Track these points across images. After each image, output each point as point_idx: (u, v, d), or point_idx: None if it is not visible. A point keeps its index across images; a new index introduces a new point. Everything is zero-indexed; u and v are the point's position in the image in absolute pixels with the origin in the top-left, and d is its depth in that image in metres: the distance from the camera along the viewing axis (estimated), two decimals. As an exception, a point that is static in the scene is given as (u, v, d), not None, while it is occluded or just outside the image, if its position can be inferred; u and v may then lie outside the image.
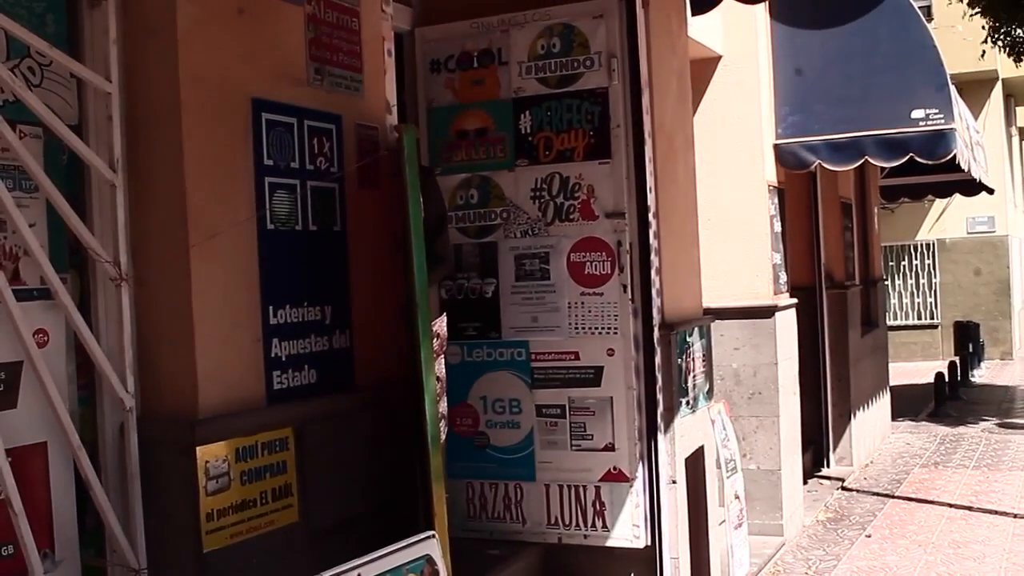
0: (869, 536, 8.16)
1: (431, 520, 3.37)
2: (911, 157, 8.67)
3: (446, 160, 5.60)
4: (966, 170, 9.95)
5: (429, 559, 2.94)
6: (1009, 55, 15.64)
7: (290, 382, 3.33)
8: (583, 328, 5.47)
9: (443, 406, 4.11)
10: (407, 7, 5.38)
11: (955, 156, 8.78)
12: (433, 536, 3.01)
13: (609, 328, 5.43)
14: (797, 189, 10.01)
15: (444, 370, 4.57)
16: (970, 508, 8.81)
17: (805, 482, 9.61)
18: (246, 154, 3.19)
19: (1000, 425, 13.50)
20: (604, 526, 5.45)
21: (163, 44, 3.07)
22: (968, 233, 21.99)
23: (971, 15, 15.19)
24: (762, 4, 8.25)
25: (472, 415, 5.63)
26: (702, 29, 7.70)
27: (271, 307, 3.27)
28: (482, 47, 5.67)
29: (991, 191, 13.70)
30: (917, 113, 8.57)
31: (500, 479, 5.64)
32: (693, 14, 6.34)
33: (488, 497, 5.65)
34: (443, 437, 4.01)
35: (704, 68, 8.30)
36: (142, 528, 3.19)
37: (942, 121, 8.56)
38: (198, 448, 3.00)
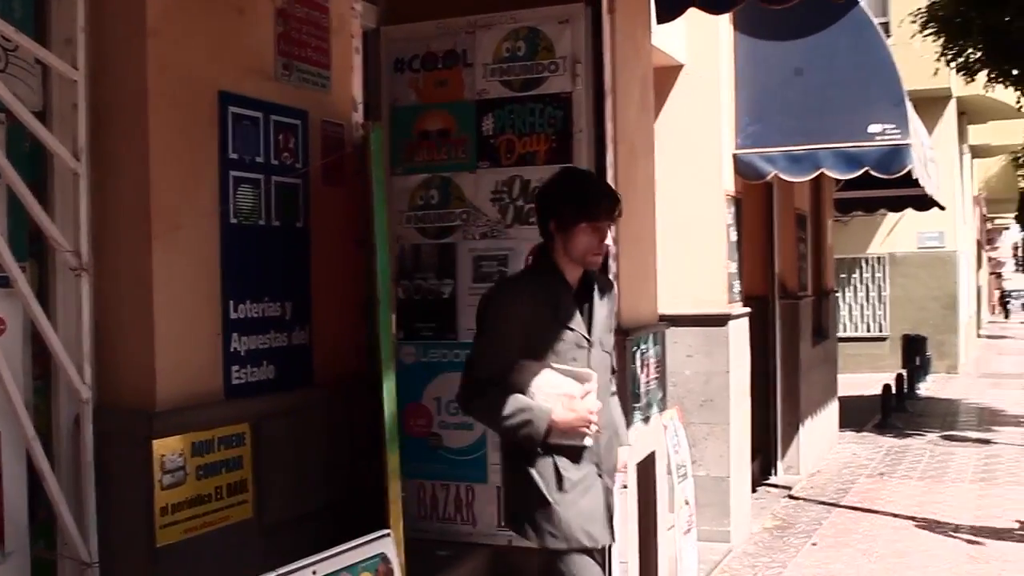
0: (815, 544, 8.24)
1: (386, 518, 3.36)
2: (867, 171, 8.76)
3: (408, 160, 5.59)
4: (921, 185, 10.08)
5: (384, 557, 2.94)
6: (959, 73, 15.88)
7: (249, 377, 3.31)
8: (539, 331, 5.49)
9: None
10: (373, 5, 5.38)
11: (910, 171, 8.87)
12: (389, 534, 3.01)
13: (565, 332, 5.45)
14: (754, 199, 10.09)
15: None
16: (914, 519, 8.92)
17: (754, 490, 9.69)
18: (212, 147, 3.17)
19: (944, 437, 13.68)
20: None
21: (131, 34, 3.04)
22: (918, 248, 22.27)
23: (924, 35, 15.41)
24: (725, 14, 8.34)
25: (426, 415, 5.62)
26: (665, 37, 7.74)
27: (232, 301, 3.25)
28: (447, 48, 5.67)
29: (942, 207, 13.88)
30: (874, 128, 8.65)
31: (452, 480, 5.64)
32: (659, 22, 6.37)
33: (439, 498, 5.64)
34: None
35: (666, 76, 8.34)
36: (95, 521, 3.16)
37: (898, 136, 8.65)
38: (155, 441, 2.97)
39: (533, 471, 3.71)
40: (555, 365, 3.67)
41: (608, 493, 3.89)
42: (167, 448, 3.01)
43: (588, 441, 3.69)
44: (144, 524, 3.00)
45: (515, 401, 3.64)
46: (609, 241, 3.74)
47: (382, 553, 2.91)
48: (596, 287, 3.88)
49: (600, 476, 3.82)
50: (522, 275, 3.98)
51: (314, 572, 2.70)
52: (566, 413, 3.63)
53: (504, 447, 3.93)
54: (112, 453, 3.12)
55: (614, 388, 4.23)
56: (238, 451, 3.23)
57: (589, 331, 3.79)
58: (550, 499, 3.70)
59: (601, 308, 3.87)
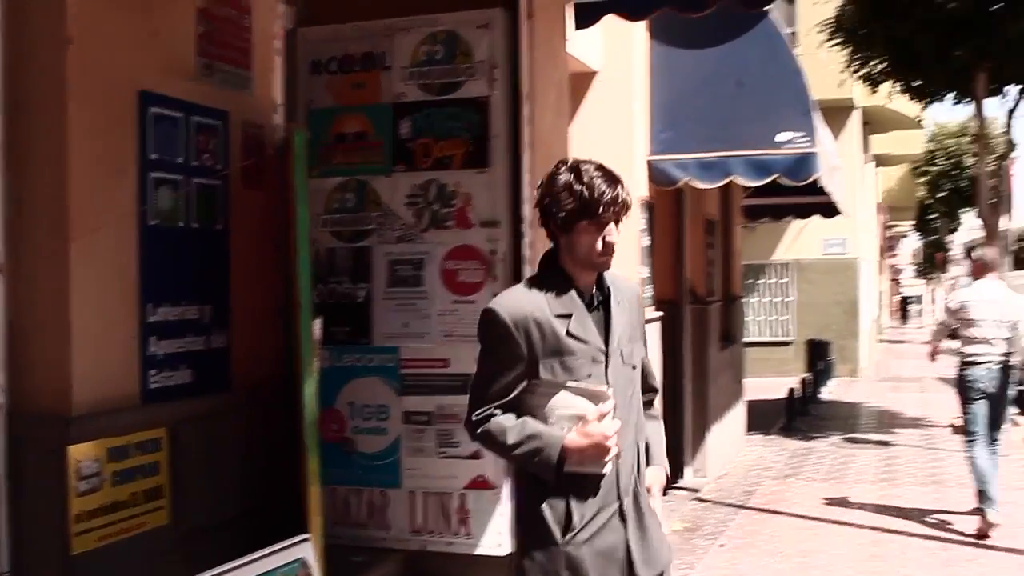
0: (722, 546, 8.35)
1: (305, 523, 3.34)
2: (776, 178, 8.91)
3: (324, 163, 5.56)
4: (827, 193, 10.27)
5: (303, 563, 2.92)
6: (864, 84, 16.24)
7: (166, 381, 3.26)
8: (454, 335, 5.48)
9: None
10: (289, 7, 5.33)
11: (817, 179, 9.05)
12: (308, 539, 2.99)
13: (480, 336, 5.45)
14: (665, 205, 10.20)
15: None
16: (818, 519, 9.08)
17: (664, 493, 9.78)
18: (131, 147, 3.12)
19: (846, 440, 13.95)
20: (468, 534, 5.47)
21: (51, 32, 2.98)
22: (823, 254, 22.70)
23: (831, 45, 15.73)
24: (640, 22, 8.43)
25: (339, 420, 5.59)
26: (580, 43, 7.79)
27: (150, 304, 3.21)
28: (365, 51, 5.65)
29: (847, 215, 14.17)
30: (783, 136, 8.79)
31: (365, 485, 5.62)
32: (576, 28, 6.42)
33: (352, 503, 5.62)
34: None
35: (581, 82, 8.40)
36: (7, 529, 3.09)
37: (806, 145, 8.80)
38: (70, 447, 2.92)
39: (544, 507, 3.29)
40: (569, 383, 3.24)
41: (638, 525, 3.37)
42: (83, 454, 2.96)
43: (606, 469, 3.23)
44: (59, 531, 2.95)
45: (524, 427, 3.28)
46: (616, 239, 3.28)
47: (301, 558, 2.89)
48: (614, 291, 3.46)
49: (621, 511, 3.32)
50: (526, 283, 3.47)
51: (235, 579, 2.68)
52: (579, 438, 3.21)
53: (516, 479, 3.51)
54: (26, 459, 3.05)
55: (651, 405, 3.74)
56: (154, 456, 3.18)
57: (606, 342, 3.36)
58: (558, 540, 3.28)
59: (621, 315, 3.44)
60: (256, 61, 3.58)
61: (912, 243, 68.17)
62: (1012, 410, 12.23)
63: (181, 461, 3.23)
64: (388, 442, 5.57)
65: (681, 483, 10.74)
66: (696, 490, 10.52)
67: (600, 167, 3.30)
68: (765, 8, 7.30)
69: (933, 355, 9.81)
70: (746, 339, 15.90)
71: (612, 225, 3.25)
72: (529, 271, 5.51)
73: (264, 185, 3.58)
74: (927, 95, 16.40)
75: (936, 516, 9.25)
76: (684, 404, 10.77)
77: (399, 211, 5.57)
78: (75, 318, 2.97)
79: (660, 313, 9.23)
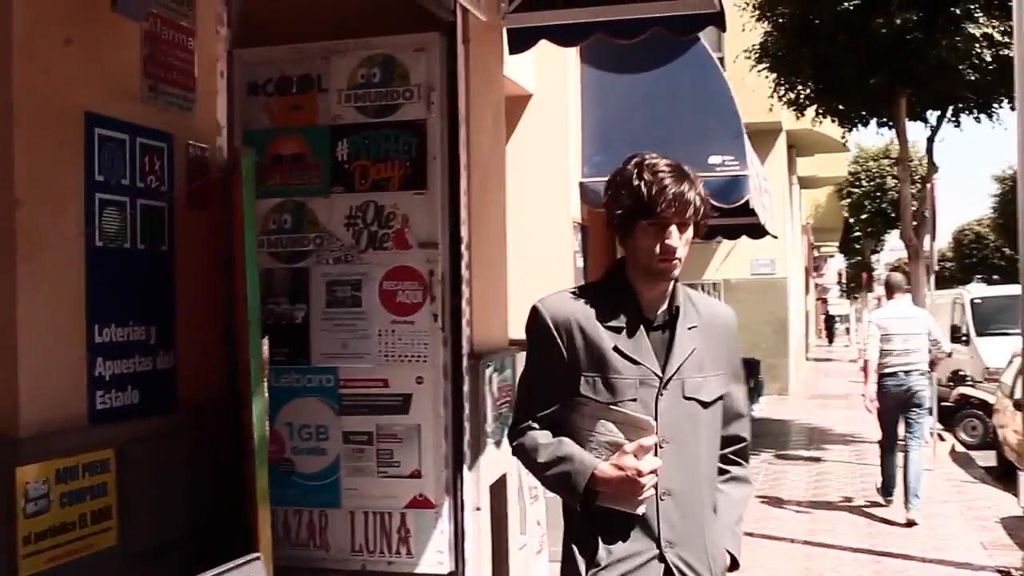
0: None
1: (254, 543, 3.36)
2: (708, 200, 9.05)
3: (261, 184, 5.53)
4: (756, 215, 10.47)
5: (256, 582, 2.95)
6: (790, 108, 16.56)
7: (113, 402, 3.26)
8: (393, 356, 5.53)
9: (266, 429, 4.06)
10: (227, 28, 5.35)
11: (748, 201, 9.23)
12: (259, 558, 3.01)
13: (419, 356, 5.50)
14: (598, 227, 10.33)
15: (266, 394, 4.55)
16: (752, 534, 9.21)
17: None
18: (78, 169, 3.13)
19: (778, 456, 14.15)
20: (409, 552, 5.50)
21: (-5, 54, 2.99)
22: (751, 274, 23.01)
23: (758, 71, 16.03)
24: (574, 47, 8.55)
25: (278, 441, 5.60)
26: (515, 67, 7.90)
27: (97, 325, 3.21)
28: (302, 73, 5.69)
29: (775, 236, 14.42)
30: (714, 159, 8.98)
31: (305, 506, 5.62)
32: (511, 53, 6.52)
33: (292, 524, 5.62)
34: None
35: (515, 105, 8.52)
36: (-50, 551, 3.07)
37: (737, 167, 9.00)
38: (18, 468, 2.91)
39: (574, 544, 3.02)
40: (615, 408, 2.91)
41: None
42: (31, 475, 2.95)
43: (641, 509, 2.89)
44: (6, 554, 2.93)
45: (559, 447, 2.96)
46: (678, 243, 2.92)
47: (254, 576, 2.92)
48: (691, 313, 3.08)
49: (662, 559, 2.95)
50: (584, 288, 3.14)
51: (188, 596, 2.69)
52: (611, 470, 2.87)
53: (563, 510, 3.13)
54: (-28, 480, 3.03)
55: (735, 462, 3.24)
56: (103, 477, 3.18)
57: (663, 366, 2.97)
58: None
59: (692, 341, 3.03)
60: (200, 83, 3.60)
61: (838, 263, 69.29)
62: (933, 422, 12.67)
63: (129, 481, 3.23)
64: (328, 462, 5.59)
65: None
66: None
67: (670, 163, 2.98)
68: (695, 35, 7.46)
69: (865, 370, 10.14)
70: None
71: (674, 228, 2.90)
72: (467, 292, 5.58)
73: (208, 207, 3.60)
74: (851, 119, 16.77)
75: (867, 529, 9.45)
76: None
77: (337, 232, 5.60)
78: (22, 339, 2.97)
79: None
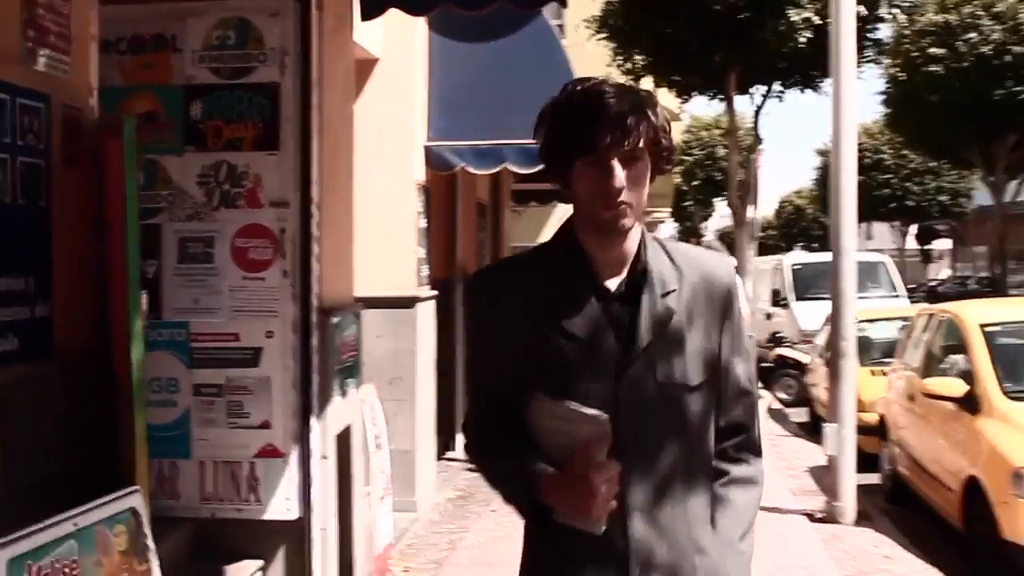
0: (494, 511, 8.82)
1: (135, 477, 3.55)
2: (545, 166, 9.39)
3: (113, 141, 5.64)
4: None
5: (134, 511, 3.15)
6: (627, 77, 17.10)
7: (-6, 348, 3.40)
8: (244, 311, 5.66)
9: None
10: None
11: (583, 168, 9.60)
12: (138, 490, 3.22)
13: (269, 311, 5.64)
14: (440, 189, 10.59)
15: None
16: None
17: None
18: (-42, 127, 3.25)
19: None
20: (258, 500, 5.64)
21: None
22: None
23: (598, 39, 16.50)
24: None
25: (129, 392, 5.70)
26: (362, 31, 8.05)
27: (-23, 274, 3.34)
28: (155, 32, 5.74)
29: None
30: (553, 127, 9.29)
31: (155, 457, 5.70)
32: (363, 19, 6.67)
33: (142, 474, 5.73)
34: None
35: (363, 69, 8.65)
36: None
37: (574, 136, 9.33)
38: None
39: (528, 569, 2.53)
40: (561, 401, 2.27)
41: None
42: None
43: (599, 527, 2.26)
44: None
45: (510, 451, 2.39)
46: (623, 182, 2.27)
47: (132, 507, 3.12)
48: (665, 275, 2.41)
49: None
50: (530, 253, 2.57)
51: (75, 524, 2.89)
52: (559, 479, 2.27)
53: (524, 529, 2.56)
54: None
55: (736, 459, 2.58)
56: (-16, 418, 3.30)
57: (627, 349, 2.34)
58: None
59: (664, 308, 2.38)
60: (75, 46, 3.74)
61: (669, 228, 71.14)
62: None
63: (9, 421, 3.36)
64: (178, 414, 5.68)
65: (452, 454, 11.19)
66: (468, 461, 10.96)
67: (615, 84, 2.36)
68: (538, 9, 7.74)
69: None
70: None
71: (616, 163, 2.26)
72: (317, 250, 5.77)
73: (83, 167, 3.74)
74: (687, 90, 17.44)
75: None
76: (456, 378, 11.19)
77: (190, 190, 5.69)
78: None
79: (435, 292, 9.61)
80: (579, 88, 2.36)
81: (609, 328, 2.35)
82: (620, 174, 2.27)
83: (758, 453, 2.62)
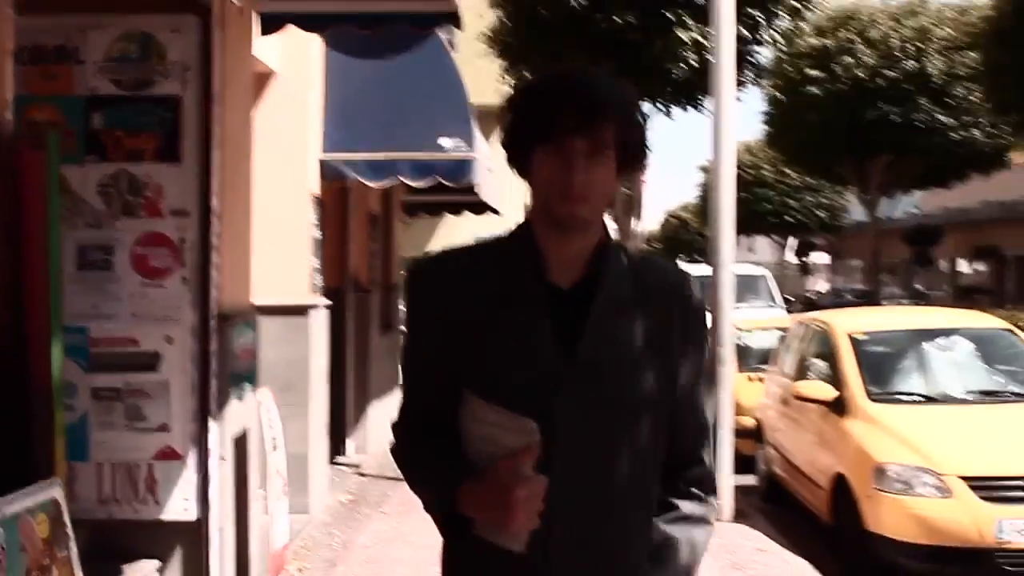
0: (385, 513, 9.04)
1: (55, 469, 3.70)
2: (438, 180, 9.67)
3: (13, 151, 5.73)
4: (481, 195, 11.18)
5: (55, 501, 3.32)
6: (518, 91, 17.44)
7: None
8: (144, 316, 5.78)
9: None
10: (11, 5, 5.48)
11: (477, 185, 9.89)
12: (58, 481, 3.38)
13: (169, 317, 5.77)
14: (333, 201, 10.76)
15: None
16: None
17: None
18: None
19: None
20: (156, 501, 5.72)
21: None
22: (475, 248, 23.81)
23: (489, 54, 16.83)
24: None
25: (27, 396, 5.78)
26: (260, 46, 8.21)
27: None
28: (58, 43, 5.83)
29: (497, 211, 15.27)
30: (445, 141, 9.52)
31: (52, 459, 5.83)
32: (262, 35, 6.85)
33: (38, 475, 5.82)
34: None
35: (260, 81, 8.79)
36: None
37: (465, 150, 9.61)
38: None
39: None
40: (490, 406, 2.14)
41: None
42: None
43: (519, 544, 2.10)
44: None
45: (434, 456, 2.25)
46: (581, 173, 2.11)
47: (53, 498, 3.30)
48: (618, 279, 2.21)
49: None
50: (480, 244, 2.34)
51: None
52: (479, 489, 2.10)
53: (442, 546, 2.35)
54: None
55: (686, 494, 2.32)
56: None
57: (573, 355, 2.14)
58: None
59: (617, 315, 2.19)
60: (-11, 60, 3.87)
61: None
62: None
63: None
64: (76, 416, 5.73)
65: (344, 459, 11.37)
66: (358, 465, 11.16)
67: (594, 72, 2.21)
68: (432, 30, 8.00)
69: None
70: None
71: (577, 152, 2.09)
72: (216, 258, 5.93)
73: (-2, 177, 3.88)
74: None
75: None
76: (347, 385, 11.36)
77: (90, 199, 5.80)
78: None
79: (328, 301, 9.79)
80: (552, 73, 2.24)
81: (551, 331, 2.15)
82: (581, 164, 2.10)
83: (712, 490, 2.36)
